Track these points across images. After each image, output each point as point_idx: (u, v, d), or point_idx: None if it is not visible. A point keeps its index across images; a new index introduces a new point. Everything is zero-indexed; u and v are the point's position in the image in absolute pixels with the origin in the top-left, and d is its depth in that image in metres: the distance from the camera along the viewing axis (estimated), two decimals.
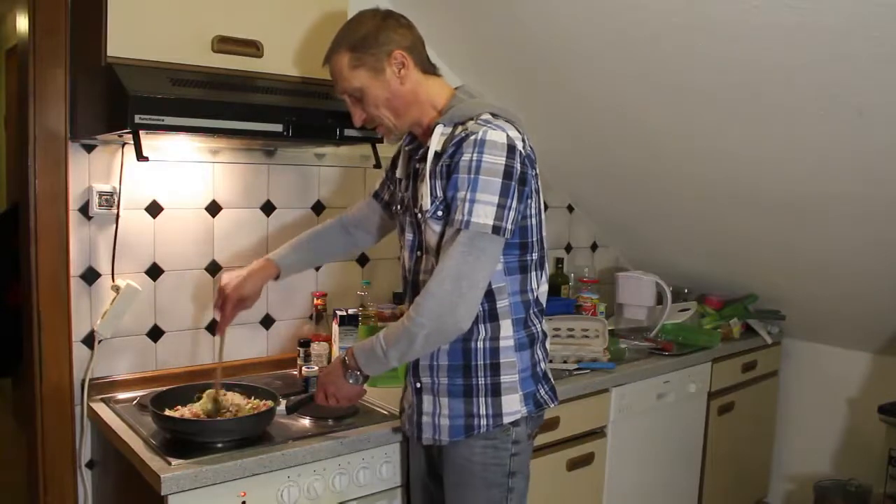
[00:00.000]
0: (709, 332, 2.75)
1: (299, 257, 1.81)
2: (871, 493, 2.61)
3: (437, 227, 1.45)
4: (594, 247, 3.28)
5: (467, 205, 1.36)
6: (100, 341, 1.92)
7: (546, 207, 2.98)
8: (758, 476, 3.13)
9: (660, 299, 2.79)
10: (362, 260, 2.41)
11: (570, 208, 3.14)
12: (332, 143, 2.06)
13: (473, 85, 1.61)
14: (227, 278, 1.72)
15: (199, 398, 1.72)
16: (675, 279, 3.00)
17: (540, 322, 1.56)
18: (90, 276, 1.91)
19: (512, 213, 1.39)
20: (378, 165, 1.98)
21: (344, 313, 2.12)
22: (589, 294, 2.75)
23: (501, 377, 1.48)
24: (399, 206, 1.62)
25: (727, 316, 2.87)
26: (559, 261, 2.99)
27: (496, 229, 1.36)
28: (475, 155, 1.37)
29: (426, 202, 1.45)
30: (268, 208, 2.19)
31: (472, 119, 1.44)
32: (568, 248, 3.16)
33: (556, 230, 3.09)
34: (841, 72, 1.76)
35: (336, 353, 2.12)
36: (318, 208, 2.30)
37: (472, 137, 1.38)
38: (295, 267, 1.81)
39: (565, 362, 2.27)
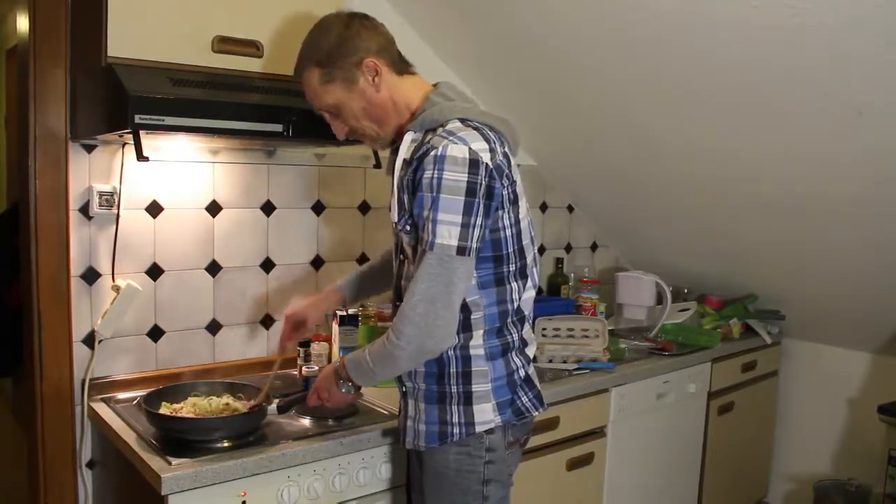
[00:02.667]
0: (709, 332, 2.75)
1: (364, 285, 1.85)
2: (871, 493, 2.61)
3: (408, 240, 1.43)
4: (594, 247, 3.28)
5: (430, 225, 1.32)
6: (100, 341, 1.92)
7: (545, 207, 3.03)
8: (757, 476, 3.12)
9: (660, 299, 2.78)
10: (362, 261, 2.41)
11: (570, 208, 3.14)
12: (332, 143, 2.05)
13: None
14: (295, 304, 1.77)
15: (198, 395, 1.75)
16: (675, 279, 3.00)
17: (519, 330, 1.51)
18: (90, 275, 1.91)
19: (477, 231, 1.35)
20: (378, 165, 1.98)
21: (344, 313, 2.12)
22: (589, 294, 2.75)
23: (473, 386, 1.46)
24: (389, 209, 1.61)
25: (727, 316, 2.87)
26: (559, 261, 2.99)
27: (461, 250, 1.32)
28: (435, 172, 1.31)
29: (394, 214, 1.44)
30: (268, 208, 2.19)
31: (442, 125, 1.39)
32: (568, 248, 3.16)
33: (556, 230, 3.10)
34: (841, 72, 1.76)
35: (336, 353, 2.12)
36: (318, 208, 2.30)
37: (433, 153, 1.33)
38: (361, 295, 1.85)
39: (565, 362, 2.27)
